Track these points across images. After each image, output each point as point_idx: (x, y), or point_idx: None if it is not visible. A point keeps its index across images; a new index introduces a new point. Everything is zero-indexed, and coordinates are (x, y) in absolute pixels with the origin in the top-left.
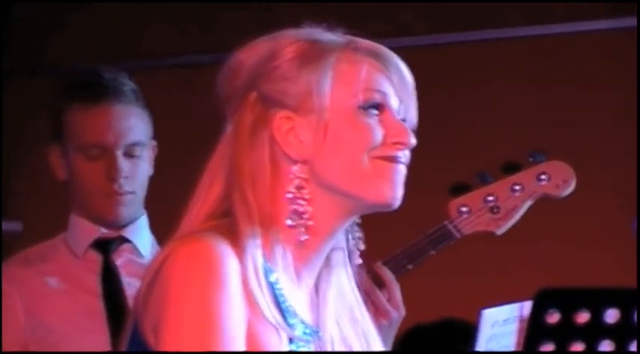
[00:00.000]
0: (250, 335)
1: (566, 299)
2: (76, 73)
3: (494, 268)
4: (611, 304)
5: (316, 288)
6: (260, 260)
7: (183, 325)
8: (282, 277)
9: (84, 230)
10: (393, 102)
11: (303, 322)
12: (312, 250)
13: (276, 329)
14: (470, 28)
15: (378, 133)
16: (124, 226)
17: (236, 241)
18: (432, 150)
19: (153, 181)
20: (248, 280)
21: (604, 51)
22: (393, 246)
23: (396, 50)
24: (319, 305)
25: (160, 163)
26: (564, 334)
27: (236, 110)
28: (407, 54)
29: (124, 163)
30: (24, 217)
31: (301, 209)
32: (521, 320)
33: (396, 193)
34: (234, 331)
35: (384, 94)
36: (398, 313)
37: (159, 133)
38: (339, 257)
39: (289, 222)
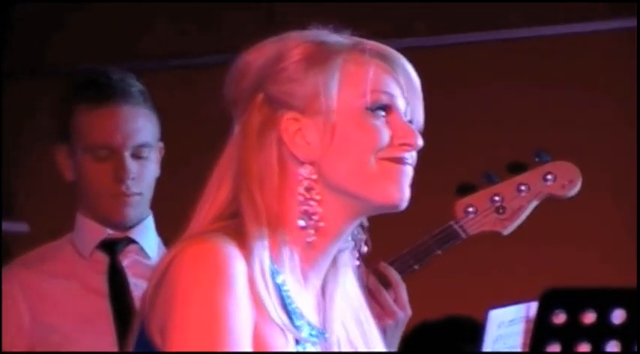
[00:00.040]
0: (257, 337)
1: (573, 299)
2: (82, 74)
3: (500, 268)
4: (618, 305)
5: (323, 290)
6: (267, 262)
7: (190, 326)
8: (289, 279)
9: (90, 231)
10: (400, 103)
11: (309, 324)
12: (319, 252)
13: (283, 331)
14: (471, 29)
15: (385, 135)
16: (131, 227)
17: (243, 242)
18: (438, 151)
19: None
20: (255, 281)
21: (604, 51)
22: (399, 246)
23: (397, 51)
24: (326, 307)
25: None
26: (570, 334)
27: (243, 112)
28: (408, 55)
29: (131, 165)
30: (29, 218)
31: (312, 210)
32: (528, 321)
33: (403, 195)
34: (241, 333)
35: (391, 95)
36: (404, 313)
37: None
38: (346, 259)
39: (301, 223)
